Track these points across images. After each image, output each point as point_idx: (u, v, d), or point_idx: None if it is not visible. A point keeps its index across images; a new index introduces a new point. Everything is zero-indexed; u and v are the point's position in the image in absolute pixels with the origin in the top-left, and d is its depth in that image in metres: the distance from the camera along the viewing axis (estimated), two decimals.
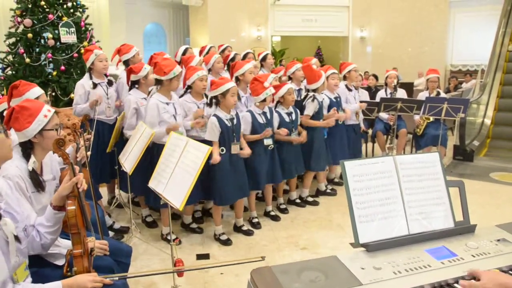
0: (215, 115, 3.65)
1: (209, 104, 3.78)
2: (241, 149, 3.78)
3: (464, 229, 1.63)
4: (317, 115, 4.58)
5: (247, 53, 5.63)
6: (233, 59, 5.25)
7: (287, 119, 4.26)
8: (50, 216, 1.86)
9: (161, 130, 3.58)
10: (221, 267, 3.20)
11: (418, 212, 1.61)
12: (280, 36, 15.62)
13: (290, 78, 4.97)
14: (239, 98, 4.10)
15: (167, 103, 3.65)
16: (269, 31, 13.07)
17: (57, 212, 1.86)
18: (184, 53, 5.09)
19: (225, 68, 5.10)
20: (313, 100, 4.49)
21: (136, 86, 4.01)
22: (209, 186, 3.72)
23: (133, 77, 3.97)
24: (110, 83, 4.28)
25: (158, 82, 3.67)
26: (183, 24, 14.83)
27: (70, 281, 1.70)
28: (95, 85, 4.10)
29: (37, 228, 1.87)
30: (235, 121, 3.73)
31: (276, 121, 4.20)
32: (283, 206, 4.55)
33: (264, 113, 4.05)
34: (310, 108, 4.54)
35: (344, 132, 5.05)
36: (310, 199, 4.82)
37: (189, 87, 3.92)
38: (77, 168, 2.04)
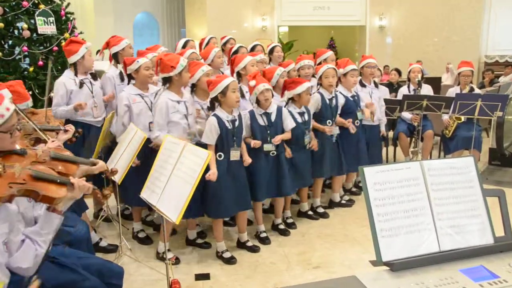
0: (215, 114, 3.65)
1: (211, 108, 3.76)
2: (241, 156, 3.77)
3: (506, 246, 1.60)
4: (321, 114, 4.56)
5: (256, 45, 5.60)
6: (236, 52, 5.19)
7: (299, 119, 4.26)
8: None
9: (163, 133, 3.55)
10: None
11: (450, 226, 1.59)
12: (287, 27, 15.64)
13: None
14: (242, 95, 4.09)
15: (178, 102, 3.65)
16: (276, 20, 13.09)
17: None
18: (184, 46, 5.08)
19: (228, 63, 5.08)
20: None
21: (133, 82, 4.03)
22: (204, 196, 3.71)
23: (128, 71, 4.00)
24: (94, 77, 4.27)
25: (167, 80, 3.66)
26: (177, 13, 14.91)
27: None
28: (81, 84, 4.07)
29: (30, 236, 1.94)
30: (237, 123, 3.71)
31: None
32: (290, 221, 4.50)
33: (267, 114, 3.99)
34: (310, 104, 4.48)
35: (359, 135, 5.00)
36: (321, 210, 4.79)
37: (194, 85, 3.93)
38: None
